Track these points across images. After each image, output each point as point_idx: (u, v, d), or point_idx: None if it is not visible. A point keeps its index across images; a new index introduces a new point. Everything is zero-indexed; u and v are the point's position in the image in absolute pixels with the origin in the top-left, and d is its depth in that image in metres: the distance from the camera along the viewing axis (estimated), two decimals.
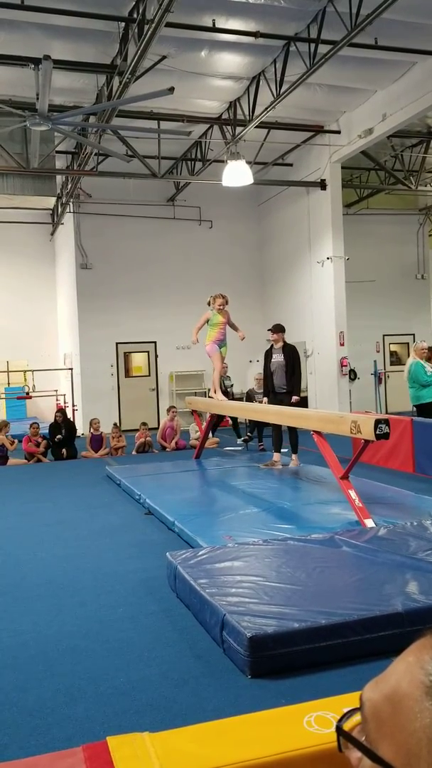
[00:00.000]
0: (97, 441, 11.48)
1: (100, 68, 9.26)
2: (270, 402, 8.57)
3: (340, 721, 0.63)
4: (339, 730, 0.62)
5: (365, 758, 0.58)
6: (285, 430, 8.67)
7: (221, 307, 8.47)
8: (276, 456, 8.70)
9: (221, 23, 8.34)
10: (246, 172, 11.25)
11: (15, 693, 3.10)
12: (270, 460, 8.78)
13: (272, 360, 8.68)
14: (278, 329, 8.74)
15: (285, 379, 8.53)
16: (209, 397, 9.54)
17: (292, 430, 8.49)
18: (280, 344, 8.68)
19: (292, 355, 8.61)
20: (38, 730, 2.77)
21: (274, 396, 8.62)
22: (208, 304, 8.63)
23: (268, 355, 8.80)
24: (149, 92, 7.73)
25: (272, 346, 8.80)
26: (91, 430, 11.48)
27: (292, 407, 7.83)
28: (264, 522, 5.80)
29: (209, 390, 9.43)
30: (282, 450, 8.81)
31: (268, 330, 8.94)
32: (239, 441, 11.39)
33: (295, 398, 8.47)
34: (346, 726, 0.62)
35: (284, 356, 8.57)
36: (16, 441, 11.15)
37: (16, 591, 4.62)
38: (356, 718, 0.62)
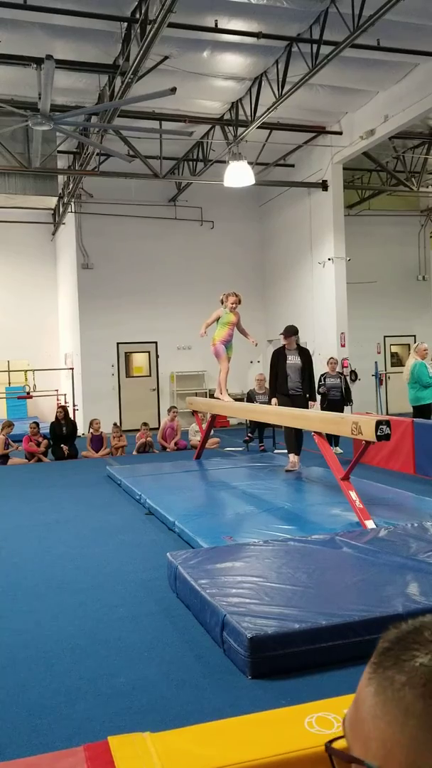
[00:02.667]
0: (97, 441, 11.48)
1: (103, 68, 9.27)
2: (283, 404, 8.20)
3: (329, 742, 0.72)
4: (328, 749, 0.71)
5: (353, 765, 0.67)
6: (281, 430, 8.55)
7: (234, 306, 8.22)
8: (292, 457, 8.34)
9: (223, 24, 8.34)
10: (248, 172, 11.25)
11: (15, 692, 3.10)
12: (289, 464, 8.38)
13: (287, 362, 8.40)
14: (290, 332, 8.48)
15: (301, 382, 8.29)
16: (215, 398, 9.35)
17: (297, 431, 8.20)
18: (294, 346, 8.46)
19: (309, 358, 8.45)
20: (38, 729, 2.77)
21: (287, 398, 8.25)
22: (221, 302, 8.38)
23: (280, 355, 8.49)
24: (151, 92, 7.73)
25: (284, 347, 8.52)
26: (91, 431, 11.48)
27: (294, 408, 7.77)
28: (264, 523, 5.79)
29: (216, 391, 9.18)
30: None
31: (281, 334, 8.66)
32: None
33: (312, 403, 8.27)
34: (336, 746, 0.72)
35: (301, 359, 8.34)
36: (16, 445, 11.13)
37: (17, 590, 4.62)
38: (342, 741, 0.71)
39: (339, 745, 0.70)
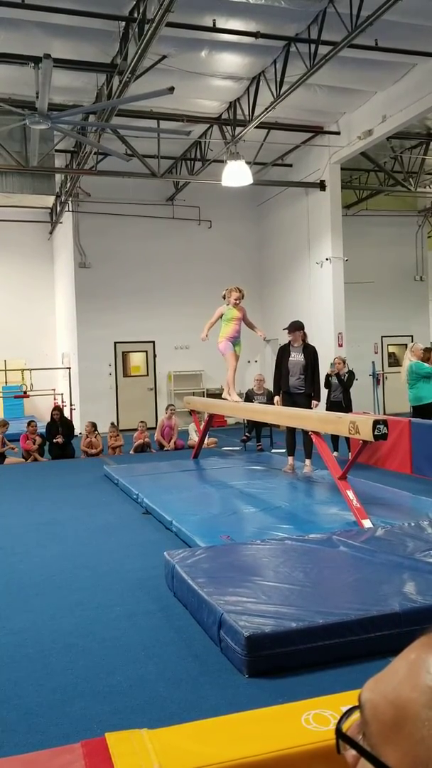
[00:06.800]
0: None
1: (100, 67, 9.27)
2: (284, 402, 8.07)
3: (339, 722, 0.60)
4: (339, 732, 0.59)
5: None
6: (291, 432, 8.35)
7: (237, 302, 7.96)
8: (290, 460, 8.31)
9: (221, 23, 8.34)
10: (245, 172, 11.25)
11: (12, 691, 3.10)
12: (287, 465, 8.33)
13: (290, 358, 8.11)
14: (295, 327, 8.17)
15: (303, 380, 8.05)
16: (223, 398, 9.17)
17: (305, 433, 7.74)
18: (300, 343, 8.15)
19: (314, 356, 8.12)
20: (35, 728, 2.77)
21: (288, 397, 8.10)
22: (223, 297, 8.12)
23: (285, 351, 8.22)
24: (149, 92, 7.73)
25: (289, 343, 8.24)
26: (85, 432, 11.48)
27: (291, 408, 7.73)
28: (262, 522, 5.80)
29: (224, 391, 8.83)
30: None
31: (284, 329, 8.38)
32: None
33: (315, 403, 8.03)
34: (344, 725, 0.60)
35: (304, 356, 8.07)
36: (13, 446, 11.12)
37: (14, 589, 4.62)
38: (354, 716, 0.59)
39: (349, 722, 0.59)
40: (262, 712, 1.88)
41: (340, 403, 9.79)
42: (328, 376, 10.01)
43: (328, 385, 9.96)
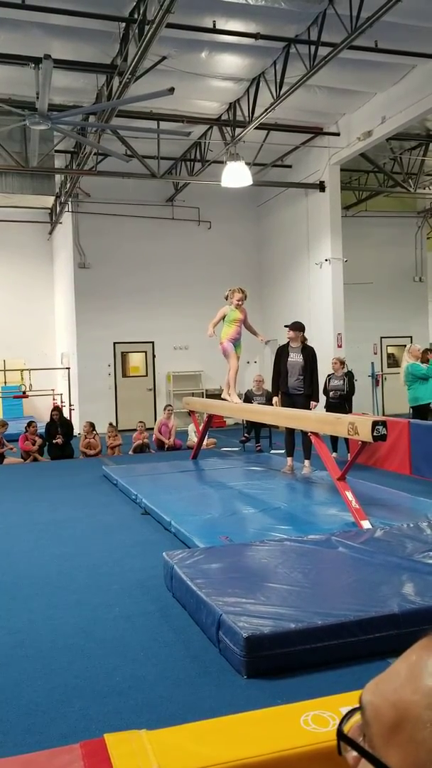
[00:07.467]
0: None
1: (100, 68, 9.27)
2: (283, 403, 8.10)
3: (340, 723, 0.60)
4: (340, 734, 0.59)
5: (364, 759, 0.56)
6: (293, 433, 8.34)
7: (239, 303, 7.94)
8: (289, 461, 8.32)
9: (221, 24, 8.35)
10: (245, 173, 11.26)
11: (11, 691, 3.10)
12: (285, 466, 8.34)
13: (288, 359, 8.14)
14: (297, 327, 8.21)
15: (301, 381, 8.06)
16: (222, 398, 9.13)
17: (305, 434, 7.67)
18: (299, 344, 8.18)
19: (312, 357, 8.14)
20: (34, 728, 2.77)
21: (287, 397, 8.12)
22: (226, 298, 8.09)
23: (283, 352, 8.24)
24: (149, 92, 7.74)
25: (288, 344, 8.26)
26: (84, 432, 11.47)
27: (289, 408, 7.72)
28: (261, 522, 5.80)
29: (223, 391, 8.80)
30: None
31: (285, 326, 8.40)
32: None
33: (313, 403, 8.04)
34: (345, 727, 0.60)
35: (303, 357, 8.09)
36: (11, 446, 11.11)
37: (12, 589, 4.62)
38: (355, 718, 0.60)
39: (350, 723, 0.59)
40: (260, 713, 1.89)
41: (342, 405, 9.77)
42: (326, 393, 9.82)
43: (326, 393, 9.87)
